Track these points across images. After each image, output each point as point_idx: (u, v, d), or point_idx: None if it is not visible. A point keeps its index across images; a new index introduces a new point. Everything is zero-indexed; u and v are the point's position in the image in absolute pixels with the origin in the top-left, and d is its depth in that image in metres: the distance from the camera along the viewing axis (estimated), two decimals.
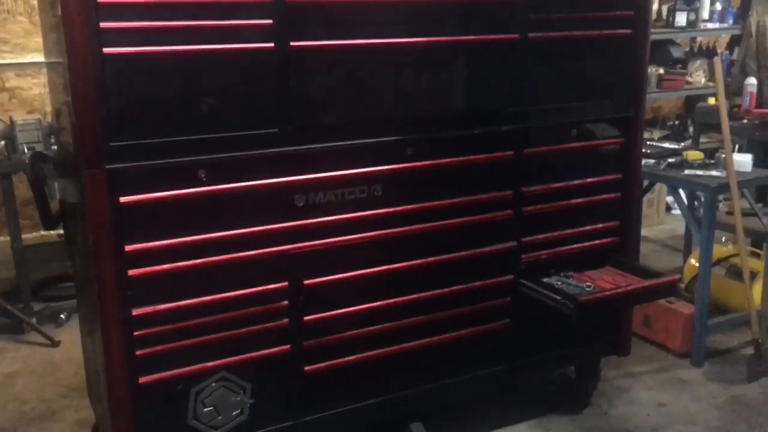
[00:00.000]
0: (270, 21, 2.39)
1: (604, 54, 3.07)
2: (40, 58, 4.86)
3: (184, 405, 2.53)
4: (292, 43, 2.42)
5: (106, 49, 2.18)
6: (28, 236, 4.83)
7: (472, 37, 2.74)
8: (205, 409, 2.56)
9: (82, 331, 3.09)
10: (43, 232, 5.23)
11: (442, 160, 2.77)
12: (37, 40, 4.85)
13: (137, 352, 2.41)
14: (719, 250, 4.31)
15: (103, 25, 2.16)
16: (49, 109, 4.84)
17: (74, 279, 3.24)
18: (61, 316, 4.48)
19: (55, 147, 4.17)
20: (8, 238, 4.45)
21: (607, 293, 2.89)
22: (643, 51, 3.12)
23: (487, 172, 2.88)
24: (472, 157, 2.82)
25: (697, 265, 4.19)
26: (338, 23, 2.53)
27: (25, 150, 4.18)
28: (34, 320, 4.37)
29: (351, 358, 2.76)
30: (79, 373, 3.80)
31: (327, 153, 2.57)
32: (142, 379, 2.43)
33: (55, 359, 4.07)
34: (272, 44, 2.41)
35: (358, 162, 2.63)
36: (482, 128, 2.83)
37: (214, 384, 2.56)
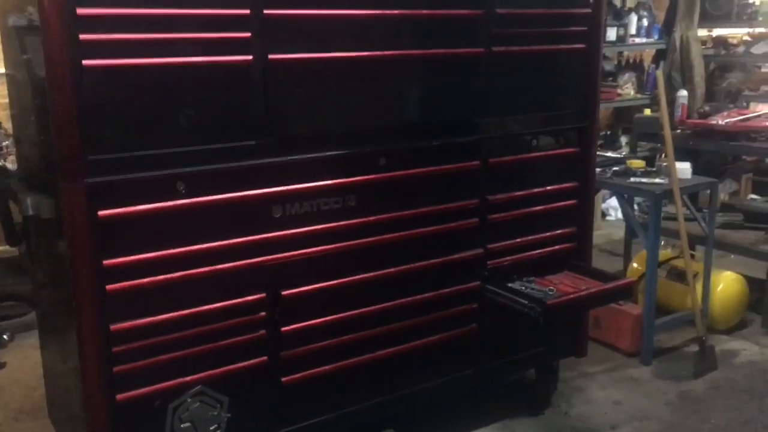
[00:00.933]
0: (248, 34, 2.40)
1: (561, 67, 3.21)
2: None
3: (161, 422, 2.49)
4: (270, 56, 2.44)
5: (85, 61, 2.15)
6: None
7: (442, 50, 2.83)
8: (183, 425, 2.53)
9: (45, 349, 3.00)
10: None
11: (414, 170, 2.83)
12: None
13: (115, 369, 2.37)
14: (660, 254, 4.51)
15: (82, 37, 2.13)
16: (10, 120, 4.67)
17: (36, 296, 3.14)
18: (4, 336, 4.31)
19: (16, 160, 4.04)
20: None
21: (572, 296, 3.00)
22: (596, 64, 3.28)
23: (455, 181, 2.96)
24: (441, 167, 2.90)
25: (640, 268, 4.41)
26: (314, 36, 2.57)
27: None
28: None
29: (326, 367, 2.78)
30: (30, 395, 3.69)
31: (303, 164, 2.60)
32: (119, 396, 2.39)
33: (2, 382, 3.90)
34: (250, 56, 2.42)
35: (333, 173, 2.67)
36: (451, 138, 2.91)
37: (190, 399, 2.53)
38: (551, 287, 3.12)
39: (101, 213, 2.25)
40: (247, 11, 2.39)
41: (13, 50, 2.58)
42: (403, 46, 2.76)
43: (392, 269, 2.85)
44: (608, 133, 7.10)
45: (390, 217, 2.81)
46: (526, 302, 2.94)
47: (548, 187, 3.23)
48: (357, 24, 2.64)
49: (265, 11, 2.41)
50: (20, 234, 2.68)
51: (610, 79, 6.77)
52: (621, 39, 6.62)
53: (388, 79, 2.76)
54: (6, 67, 2.85)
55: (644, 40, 6.86)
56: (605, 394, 3.68)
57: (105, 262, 2.29)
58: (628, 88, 6.93)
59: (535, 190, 3.19)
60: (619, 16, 6.67)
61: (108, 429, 2.39)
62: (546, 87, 3.17)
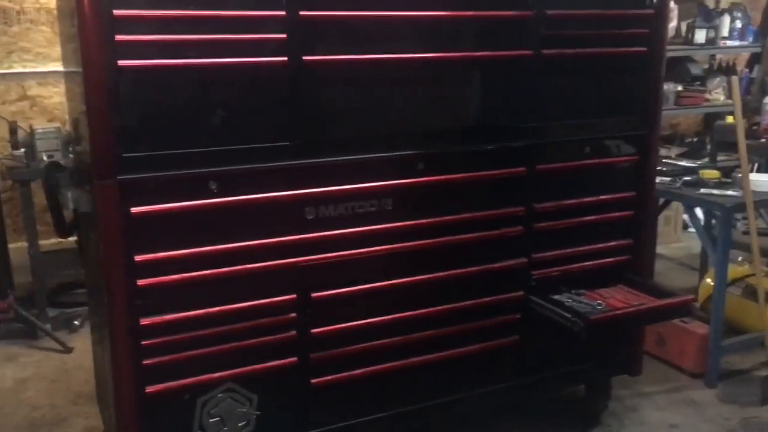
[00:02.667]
0: (284, 35, 2.41)
1: (618, 71, 3.05)
2: (61, 67, 4.93)
3: (190, 415, 2.53)
4: (304, 57, 2.44)
5: (120, 62, 2.21)
6: (45, 242, 4.87)
7: (485, 52, 2.75)
8: (211, 420, 2.56)
9: (93, 338, 3.12)
10: (61, 239, 5.29)
11: (453, 176, 2.77)
12: (59, 49, 4.92)
13: (144, 362, 2.42)
14: (735, 270, 4.25)
15: (118, 37, 2.19)
16: (68, 117, 4.91)
17: (86, 286, 3.27)
18: (75, 322, 4.52)
19: (72, 156, 4.24)
20: (26, 244, 4.50)
21: (618, 312, 2.86)
22: (659, 69, 3.11)
23: (498, 188, 2.87)
24: (483, 172, 2.82)
25: (713, 284, 4.16)
26: (351, 37, 2.55)
27: (44, 158, 4.23)
28: (48, 326, 4.41)
29: (358, 371, 2.75)
30: (90, 380, 3.82)
31: (338, 166, 2.58)
32: (149, 389, 2.44)
33: (68, 365, 4.10)
34: (285, 58, 2.42)
35: (368, 176, 2.63)
36: (494, 144, 2.82)
37: (220, 395, 2.56)
38: (600, 301, 2.98)
39: (134, 210, 2.31)
40: (283, 12, 2.40)
41: (66, 49, 2.68)
42: (446, 48, 2.70)
43: (428, 275, 2.79)
44: (694, 140, 6.75)
45: (427, 223, 2.75)
46: (569, 316, 2.82)
47: (602, 197, 3.09)
48: (394, 26, 2.60)
49: (301, 12, 2.41)
50: (70, 226, 2.79)
51: (698, 83, 6.44)
52: (711, 41, 6.29)
53: (427, 81, 2.70)
54: (64, 65, 2.97)
55: (737, 42, 6.50)
56: (661, 416, 3.49)
57: (137, 257, 2.34)
58: (717, 94, 6.57)
59: (587, 199, 3.05)
60: (710, 18, 6.33)
61: (137, 420, 2.45)
62: (601, 92, 3.02)
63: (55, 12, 4.82)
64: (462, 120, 2.84)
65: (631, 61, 3.06)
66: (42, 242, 4.63)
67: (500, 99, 2.84)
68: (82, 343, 4.30)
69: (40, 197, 4.78)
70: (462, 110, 2.83)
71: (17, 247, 4.85)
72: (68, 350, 4.24)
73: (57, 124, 4.60)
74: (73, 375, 3.98)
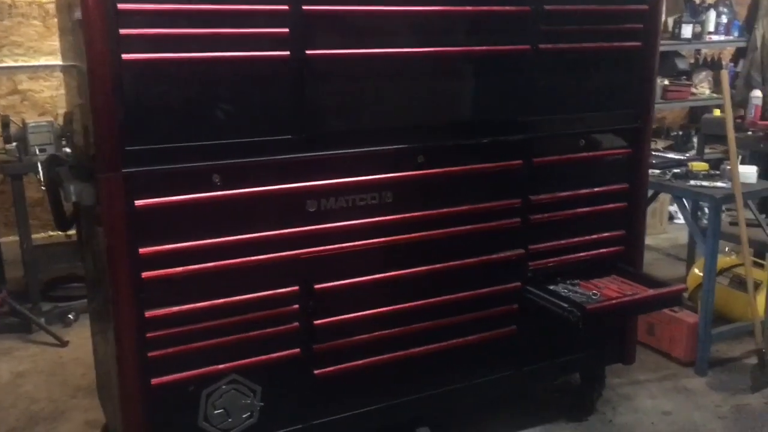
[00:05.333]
0: (286, 29, 2.43)
1: (613, 65, 3.10)
2: (53, 61, 4.93)
3: (194, 407, 2.56)
4: (307, 52, 2.46)
5: (125, 56, 2.22)
6: (37, 236, 4.88)
7: (484, 47, 2.79)
8: (216, 411, 2.59)
9: (93, 331, 3.12)
10: (51, 233, 5.30)
11: (452, 168, 2.80)
12: (50, 43, 4.92)
13: (149, 354, 2.44)
14: (723, 260, 4.33)
15: (122, 31, 2.20)
16: (60, 111, 4.89)
17: (86, 280, 3.28)
18: (69, 316, 4.52)
19: (67, 149, 4.23)
20: (18, 238, 4.49)
21: (614, 302, 2.92)
22: (652, 63, 3.16)
23: (496, 181, 2.91)
24: (482, 165, 2.86)
25: (701, 274, 4.23)
26: (353, 32, 2.57)
27: (37, 152, 4.22)
28: (42, 320, 4.40)
29: (360, 362, 2.79)
30: (87, 373, 3.84)
31: (339, 160, 2.61)
32: (154, 381, 2.46)
33: (64, 359, 4.10)
34: (288, 52, 2.44)
35: (369, 169, 2.67)
36: (492, 137, 2.86)
37: (224, 386, 2.59)
38: (595, 291, 3.04)
39: (138, 203, 2.32)
40: (286, 7, 2.42)
41: (67, 43, 2.69)
42: (446, 42, 2.73)
43: (428, 267, 2.83)
44: (680, 133, 6.84)
45: (427, 215, 2.79)
46: (565, 306, 2.87)
47: (596, 189, 3.14)
48: (396, 21, 2.63)
49: (304, 7, 2.43)
50: (69, 220, 2.79)
51: (684, 77, 6.52)
52: (697, 36, 6.37)
53: (428, 76, 2.73)
54: (63, 59, 2.97)
55: (722, 37, 6.59)
56: (654, 404, 3.56)
57: (141, 250, 2.36)
58: (703, 88, 6.66)
59: (582, 191, 3.10)
60: (696, 13, 6.42)
61: (142, 412, 2.47)
62: (596, 86, 3.08)
63: (47, 6, 4.81)
64: (461, 114, 2.88)
65: (625, 55, 3.10)
66: (33, 236, 4.62)
67: (499, 93, 2.88)
68: (77, 336, 4.30)
69: (31, 191, 4.78)
70: (461, 104, 2.87)
71: (9, 241, 4.83)
72: (64, 344, 4.24)
73: (50, 118, 4.59)
74: (70, 368, 3.98)
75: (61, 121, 4.69)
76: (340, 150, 2.61)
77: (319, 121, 2.57)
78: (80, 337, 4.30)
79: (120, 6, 2.19)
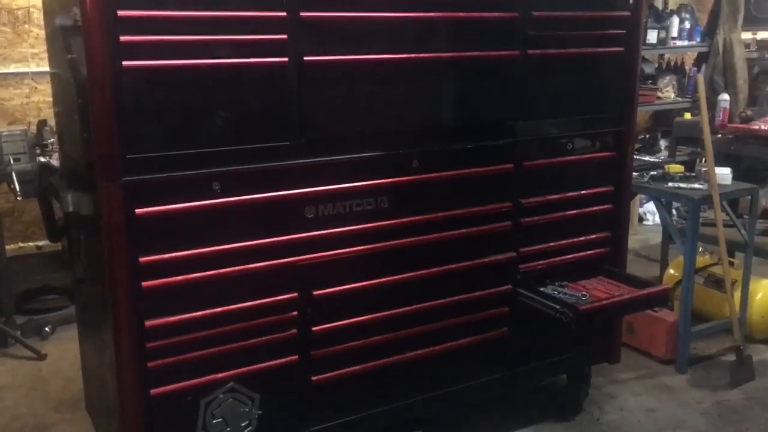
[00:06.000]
0: (285, 36, 2.43)
1: (598, 70, 3.18)
2: (23, 68, 4.83)
3: (193, 417, 2.53)
4: (305, 58, 2.47)
5: (125, 62, 2.20)
6: (9, 248, 4.75)
7: (477, 53, 2.82)
8: (215, 421, 2.57)
9: (83, 343, 3.07)
10: (21, 244, 5.18)
11: (446, 173, 2.83)
12: (21, 50, 4.83)
13: (149, 364, 2.41)
14: (697, 260, 4.44)
15: (123, 38, 2.18)
16: (33, 119, 4.80)
17: (75, 291, 3.21)
18: (46, 329, 4.41)
19: (41, 159, 4.15)
20: None
21: (605, 302, 2.98)
22: (635, 67, 3.24)
23: (488, 184, 2.95)
24: (474, 169, 2.89)
25: (677, 274, 4.34)
26: (349, 38, 2.59)
27: (11, 161, 4.12)
28: (18, 333, 4.29)
29: (357, 367, 2.79)
30: (69, 386, 3.77)
31: (337, 165, 2.62)
32: (153, 391, 2.43)
33: (43, 372, 4.01)
34: (286, 59, 2.45)
35: (366, 174, 2.68)
36: (484, 142, 2.91)
37: (223, 395, 2.57)
38: (584, 292, 3.09)
39: (138, 211, 2.30)
40: (284, 14, 2.42)
41: (59, 50, 2.64)
42: (438, 48, 2.76)
43: (424, 271, 2.85)
44: (647, 136, 7.00)
45: (423, 219, 2.82)
46: (558, 307, 2.92)
47: (583, 192, 3.21)
48: (392, 27, 2.66)
49: (302, 14, 2.44)
50: (61, 230, 2.75)
51: (650, 82, 6.68)
52: (662, 41, 6.53)
53: (422, 81, 2.76)
54: (51, 66, 2.92)
55: (686, 42, 6.76)
56: (638, 402, 3.63)
57: (141, 259, 2.34)
58: (668, 92, 6.82)
59: (570, 194, 3.16)
60: (661, 19, 6.57)
61: (141, 423, 2.44)
62: (582, 90, 3.14)
63: (17, 12, 4.72)
64: (456, 119, 2.91)
65: (609, 60, 3.18)
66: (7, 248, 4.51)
67: (491, 98, 2.92)
68: (55, 349, 4.22)
69: (1, 201, 4.68)
70: (456, 109, 2.90)
71: None
72: (42, 357, 4.14)
73: (23, 127, 4.49)
74: (50, 382, 3.89)
75: (33, 129, 4.61)
76: (337, 156, 2.62)
77: (317, 127, 2.57)
78: (58, 349, 4.22)
79: (120, 13, 2.17)
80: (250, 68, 2.42)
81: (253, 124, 2.47)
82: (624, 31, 3.16)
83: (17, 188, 3.96)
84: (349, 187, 2.65)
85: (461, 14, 2.77)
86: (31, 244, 5.22)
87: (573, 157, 3.15)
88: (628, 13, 3.15)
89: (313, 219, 2.61)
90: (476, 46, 2.83)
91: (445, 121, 2.89)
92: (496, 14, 2.85)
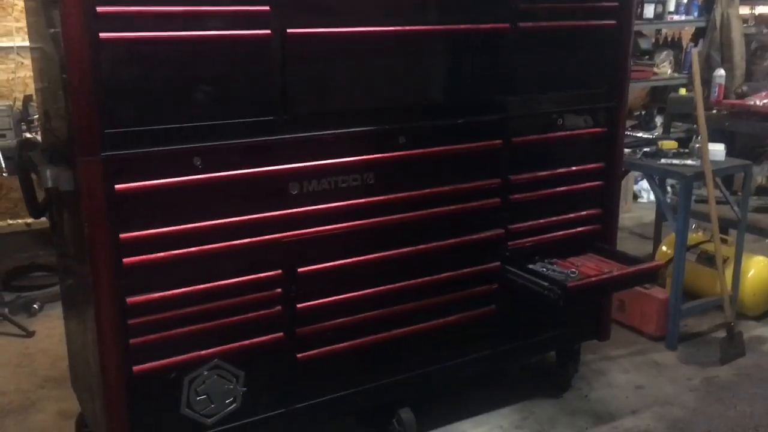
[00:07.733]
0: (267, 7, 2.37)
1: (589, 44, 3.12)
2: (8, 42, 4.75)
3: (177, 394, 2.51)
4: (288, 30, 2.41)
5: (102, 34, 2.14)
6: None
7: (465, 25, 2.77)
8: (199, 398, 2.55)
9: (67, 319, 3.04)
10: (10, 221, 5.13)
11: (434, 149, 2.79)
12: (5, 24, 4.74)
13: (131, 341, 2.39)
14: (689, 237, 4.41)
15: (99, 9, 2.13)
16: (18, 95, 4.73)
17: (59, 268, 3.18)
18: (34, 306, 4.39)
19: (28, 134, 4.10)
20: None
21: (593, 279, 2.95)
22: (627, 42, 3.19)
23: (476, 161, 2.91)
24: (462, 145, 2.85)
25: (669, 251, 4.32)
26: (334, 10, 2.53)
27: None
28: (6, 311, 4.27)
29: (342, 345, 2.77)
30: (57, 363, 3.76)
31: (321, 141, 2.58)
32: (135, 368, 2.41)
33: (30, 350, 3.99)
34: (269, 31, 2.39)
35: (351, 150, 2.64)
36: (472, 117, 2.86)
37: (207, 372, 2.55)
38: (573, 269, 3.07)
39: (118, 187, 2.26)
40: None
41: (38, 23, 2.59)
42: (426, 21, 2.71)
43: (411, 248, 2.82)
44: (643, 113, 6.93)
45: (409, 196, 2.78)
46: (546, 284, 2.89)
47: (573, 168, 3.17)
48: None
49: None
50: (42, 206, 2.70)
51: (647, 57, 6.60)
52: (659, 16, 6.44)
53: (408, 55, 2.71)
54: (31, 40, 2.86)
55: (683, 17, 6.67)
56: (627, 378, 3.63)
57: (122, 235, 2.30)
58: (665, 67, 6.74)
59: (560, 170, 3.13)
60: None
61: (124, 400, 2.42)
62: (573, 65, 3.09)
63: None
64: (442, 94, 2.86)
65: (601, 34, 3.12)
66: None
67: (479, 72, 2.87)
68: (43, 326, 4.20)
69: None
70: (442, 84, 2.85)
71: None
72: (30, 334, 4.12)
73: (8, 103, 4.43)
74: (37, 359, 3.88)
75: (19, 105, 4.55)
76: (322, 131, 2.57)
77: (300, 102, 2.52)
78: (46, 326, 4.20)
79: None
80: (232, 41, 2.36)
81: (235, 98, 2.42)
82: (616, 4, 3.10)
83: (3, 164, 3.92)
84: (334, 163, 2.61)
85: None
86: (19, 221, 5.16)
87: (563, 133, 3.11)
88: None
89: (298, 195, 2.58)
90: (465, 19, 2.77)
91: (432, 95, 2.84)
92: None
